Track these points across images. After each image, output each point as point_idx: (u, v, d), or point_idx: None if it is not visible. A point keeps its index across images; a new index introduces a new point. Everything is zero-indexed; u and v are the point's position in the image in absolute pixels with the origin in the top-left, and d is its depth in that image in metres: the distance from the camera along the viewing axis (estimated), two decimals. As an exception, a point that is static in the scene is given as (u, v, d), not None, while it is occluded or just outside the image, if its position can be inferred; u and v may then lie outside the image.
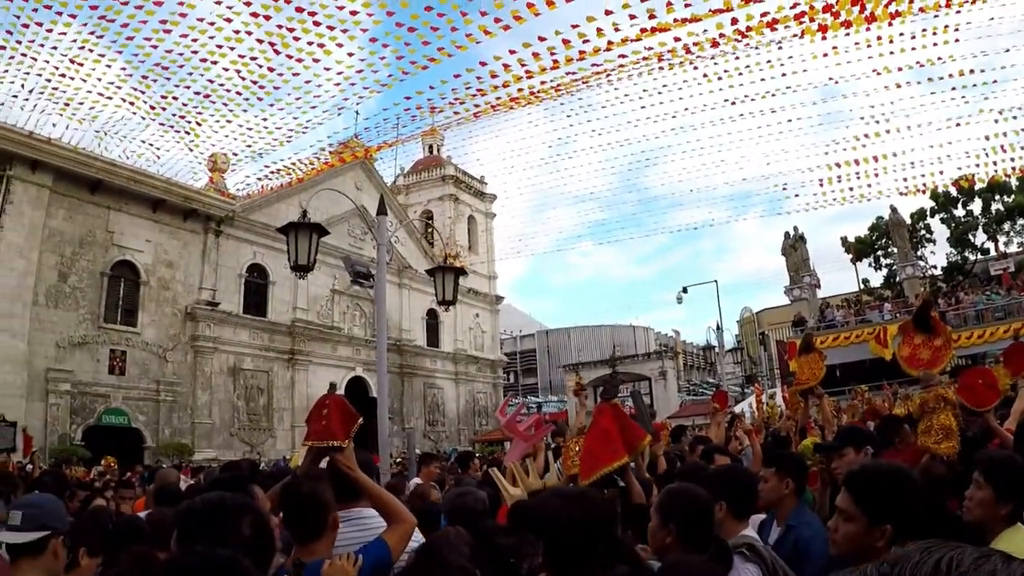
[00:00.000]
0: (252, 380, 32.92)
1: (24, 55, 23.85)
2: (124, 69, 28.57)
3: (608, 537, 2.68)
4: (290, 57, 24.51)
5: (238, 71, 27.37)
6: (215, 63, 25.04)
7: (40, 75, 24.37)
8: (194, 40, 23.67)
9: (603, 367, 43.76)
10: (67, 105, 25.65)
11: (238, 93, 28.31)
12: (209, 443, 30.11)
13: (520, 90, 28.31)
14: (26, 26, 22.22)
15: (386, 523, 3.21)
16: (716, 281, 39.58)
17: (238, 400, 32.17)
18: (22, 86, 25.32)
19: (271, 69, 26.66)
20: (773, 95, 28.51)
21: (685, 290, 40.13)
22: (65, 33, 22.51)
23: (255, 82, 28.80)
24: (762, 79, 27.52)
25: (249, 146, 33.11)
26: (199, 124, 28.72)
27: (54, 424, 25.41)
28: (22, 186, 25.94)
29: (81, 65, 25.14)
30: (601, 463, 4.31)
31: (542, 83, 27.32)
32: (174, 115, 28.06)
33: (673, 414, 34.55)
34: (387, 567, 3.05)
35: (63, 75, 25.15)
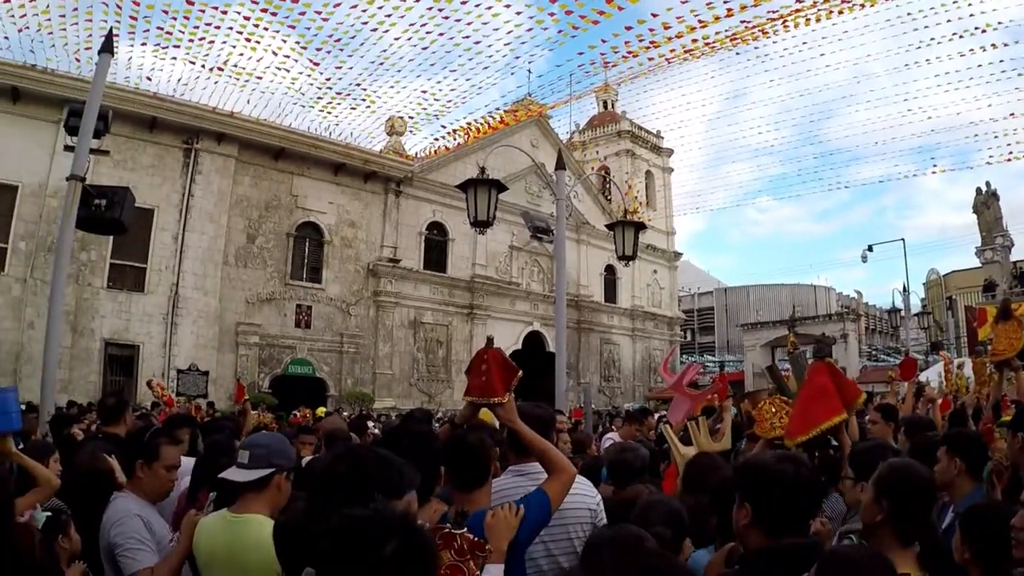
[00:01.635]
0: (432, 333, 31.87)
1: (202, 39, 23.51)
2: (298, 43, 27.98)
3: (817, 501, 2.66)
4: (459, 21, 22.88)
5: (409, 38, 26.18)
6: (386, 32, 23.84)
7: (219, 55, 24.08)
8: (363, 11, 22.43)
9: (782, 328, 40.13)
10: (247, 80, 25.34)
11: (411, 60, 27.09)
12: (389, 392, 29.42)
13: (694, 41, 25.47)
14: (202, 10, 21.77)
15: (547, 473, 3.03)
16: (903, 240, 34.30)
17: (418, 352, 31.22)
18: (202, 66, 25.16)
19: (441, 34, 25.17)
20: (961, 37, 23.92)
21: (870, 248, 35.16)
22: (239, 12, 21.94)
23: (426, 48, 27.51)
24: (948, 20, 23.13)
25: (424, 109, 32.04)
26: (374, 90, 27.77)
27: (243, 374, 25.21)
28: (209, 157, 25.99)
29: (257, 42, 24.57)
30: (819, 419, 4.14)
31: (716, 33, 24.44)
32: (350, 84, 27.19)
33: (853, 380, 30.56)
34: (547, 516, 2.89)
35: (240, 54, 24.77)
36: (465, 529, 2.52)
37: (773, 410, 4.81)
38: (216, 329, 25.29)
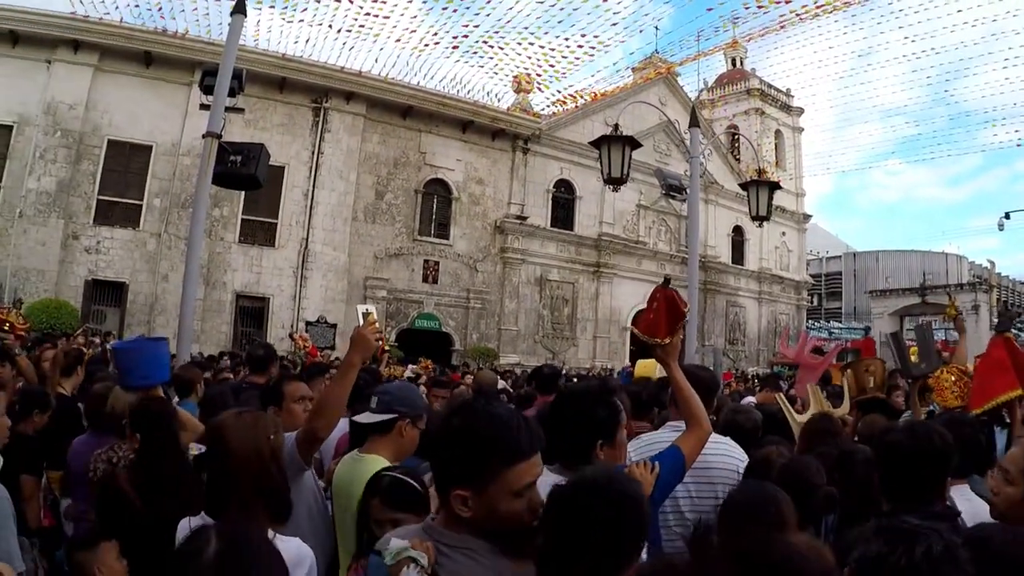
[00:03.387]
0: (557, 291, 28.76)
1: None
2: (425, 3, 25.56)
3: (945, 473, 2.41)
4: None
5: (535, -6, 23.28)
6: None
7: (346, 16, 22.20)
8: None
9: (911, 295, 35.33)
10: (374, 41, 23.71)
11: (537, 17, 24.20)
12: (514, 349, 26.63)
13: None
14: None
15: (686, 425, 2.78)
16: None
17: (543, 309, 28.20)
18: (330, 27, 23.25)
19: (568, -9, 22.28)
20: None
21: (1007, 216, 29.97)
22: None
23: (553, 4, 24.56)
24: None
25: (552, 66, 28.91)
26: (501, 48, 24.98)
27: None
28: (338, 115, 23.87)
29: (384, 2, 22.37)
30: (995, 392, 3.95)
31: None
32: (476, 41, 24.71)
33: (982, 354, 25.69)
34: (681, 473, 2.61)
35: (367, 14, 22.64)
36: None
37: (952, 379, 4.60)
38: (345, 283, 23.25)
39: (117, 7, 20.64)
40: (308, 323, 21.68)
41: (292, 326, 21.63)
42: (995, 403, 3.95)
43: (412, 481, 2.41)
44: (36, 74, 19.78)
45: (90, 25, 20.07)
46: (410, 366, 14.87)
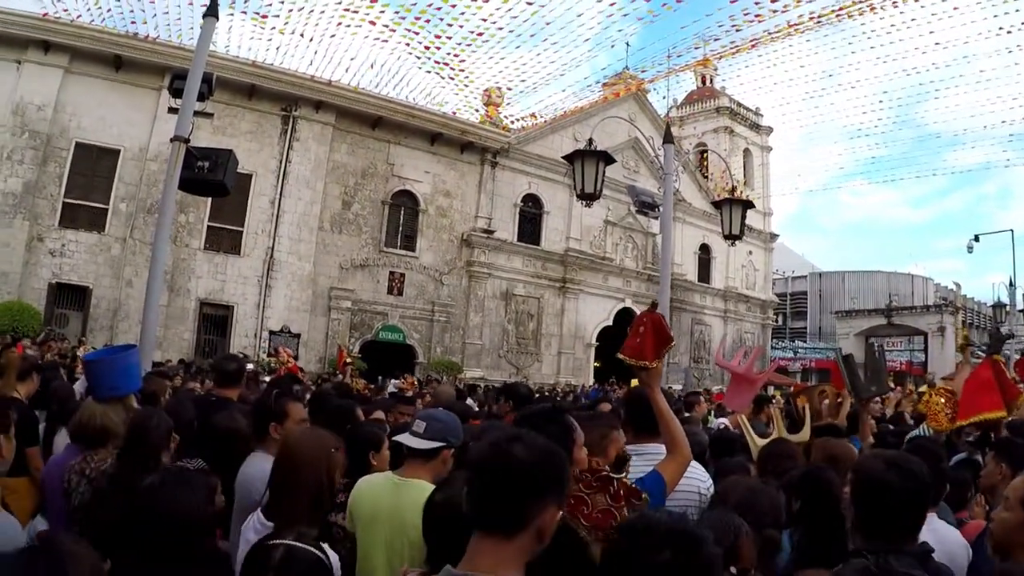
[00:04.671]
0: (523, 306, 29.89)
1: (301, 8, 22.41)
2: (397, 12, 26.20)
3: (922, 507, 2.37)
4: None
5: (510, 9, 24.33)
6: (486, 2, 22.27)
7: (318, 25, 22.97)
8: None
9: (877, 316, 36.92)
10: (346, 50, 24.41)
11: (511, 31, 25.26)
12: (478, 363, 27.64)
13: (800, 16, 23.48)
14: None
15: (667, 450, 2.85)
16: (1012, 231, 30.48)
17: (508, 324, 29.30)
18: (302, 35, 24.06)
19: (543, 5, 23.32)
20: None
21: (977, 238, 31.48)
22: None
23: (526, 20, 25.66)
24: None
25: (523, 80, 30.10)
26: (472, 61, 26.01)
27: (334, 338, 24.14)
28: (307, 124, 24.74)
29: (355, 12, 23.29)
30: (980, 409, 4.16)
31: (823, 8, 22.26)
32: (448, 53, 25.65)
33: (947, 376, 27.15)
34: (662, 499, 2.63)
35: (339, 24, 23.53)
36: (624, 475, 2.21)
37: (942, 401, 4.72)
38: (309, 293, 24.11)
39: (89, 9, 21.26)
40: (272, 332, 22.50)
41: (256, 335, 22.46)
42: (980, 419, 4.18)
43: (313, 549, 2.30)
44: (5, 74, 20.31)
45: (61, 26, 20.64)
46: (392, 381, 15.69)
